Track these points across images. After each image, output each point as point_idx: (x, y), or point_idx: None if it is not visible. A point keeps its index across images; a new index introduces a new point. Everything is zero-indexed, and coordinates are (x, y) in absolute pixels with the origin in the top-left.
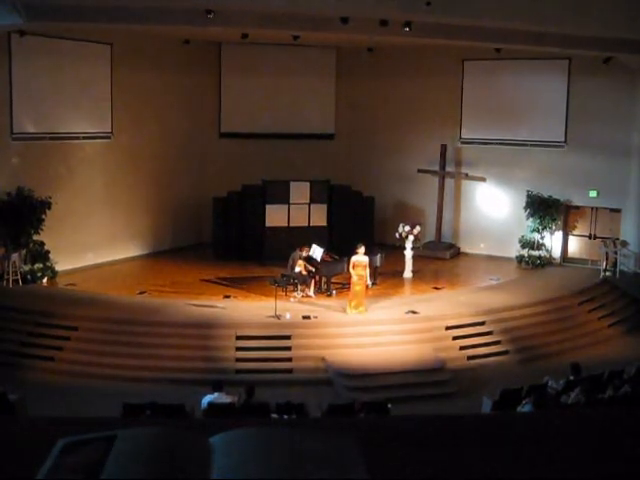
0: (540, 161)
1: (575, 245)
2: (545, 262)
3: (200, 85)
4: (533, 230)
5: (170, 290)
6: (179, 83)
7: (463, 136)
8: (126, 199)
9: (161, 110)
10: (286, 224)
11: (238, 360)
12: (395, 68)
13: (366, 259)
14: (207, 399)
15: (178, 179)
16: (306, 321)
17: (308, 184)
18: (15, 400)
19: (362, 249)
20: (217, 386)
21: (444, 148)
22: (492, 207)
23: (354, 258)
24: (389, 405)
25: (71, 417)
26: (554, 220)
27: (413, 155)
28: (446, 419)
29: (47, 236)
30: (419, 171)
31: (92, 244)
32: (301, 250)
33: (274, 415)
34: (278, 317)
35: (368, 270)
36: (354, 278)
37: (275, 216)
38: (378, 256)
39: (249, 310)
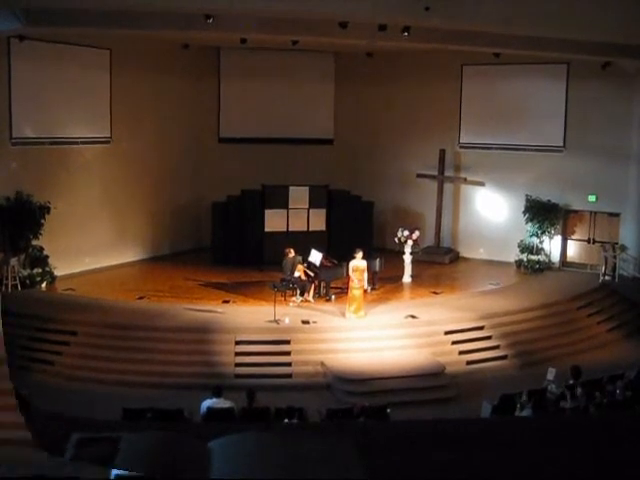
0: (539, 166)
1: (574, 249)
2: (544, 266)
3: (199, 90)
4: (532, 234)
5: (169, 295)
6: (178, 88)
7: (462, 141)
8: (125, 204)
9: (160, 115)
10: (285, 229)
11: (237, 365)
12: (394, 73)
13: (364, 264)
14: (206, 404)
15: (177, 184)
16: (305, 326)
17: (307, 189)
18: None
19: (360, 254)
20: (216, 391)
21: (443, 153)
22: (491, 212)
23: (352, 263)
24: (388, 410)
25: (77, 417)
26: (553, 224)
27: (412, 160)
28: (445, 423)
29: (46, 241)
30: (418, 176)
31: (91, 249)
32: (287, 253)
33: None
34: (277, 322)
35: (366, 274)
36: (353, 282)
37: (274, 221)
38: (377, 261)
39: (248, 315)
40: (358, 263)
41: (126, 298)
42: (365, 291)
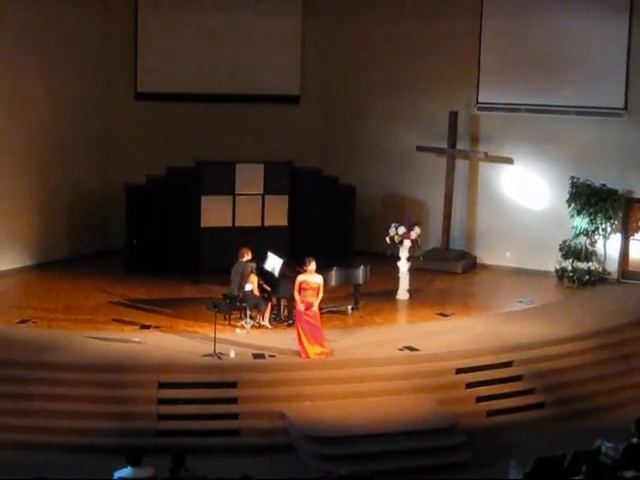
0: (590, 136)
1: None
2: (597, 278)
3: (107, 24)
4: (580, 233)
5: (64, 317)
6: (75, 21)
7: (481, 100)
8: (1, 189)
9: (49, 60)
10: (230, 223)
11: (161, 417)
12: (387, 3)
13: (319, 280)
14: (119, 475)
15: (74, 161)
16: (258, 362)
17: (262, 167)
18: None
19: (313, 265)
20: (133, 458)
21: (454, 117)
22: (522, 200)
23: (301, 278)
24: None
25: None
26: (610, 219)
27: (410, 127)
28: None
29: None
30: (419, 149)
31: None
32: (242, 255)
33: None
34: (219, 356)
35: (321, 295)
36: (299, 305)
37: (214, 212)
38: (360, 269)
39: (177, 346)
40: (310, 278)
41: (2, 321)
42: (321, 313)
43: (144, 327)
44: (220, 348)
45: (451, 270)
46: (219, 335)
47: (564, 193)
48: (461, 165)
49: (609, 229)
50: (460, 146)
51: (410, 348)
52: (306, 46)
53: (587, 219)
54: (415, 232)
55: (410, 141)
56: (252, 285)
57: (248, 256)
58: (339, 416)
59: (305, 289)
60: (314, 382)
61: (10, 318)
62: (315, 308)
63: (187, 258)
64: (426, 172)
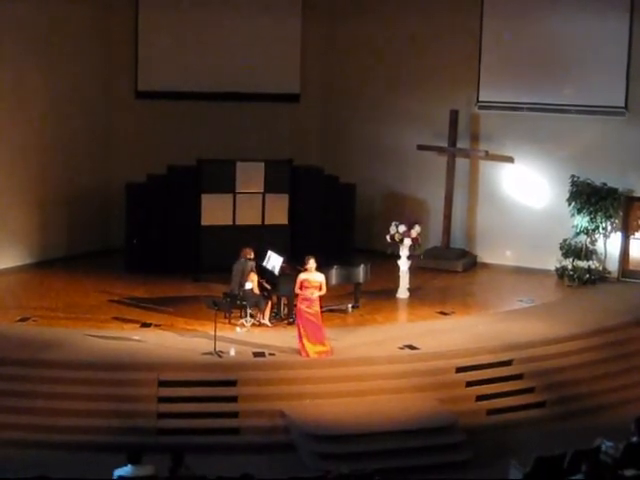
0: (591, 135)
1: None
2: (597, 277)
3: (107, 22)
4: (580, 231)
5: (64, 316)
6: (75, 19)
7: (482, 98)
8: (0, 187)
9: (50, 58)
10: (231, 222)
11: (161, 416)
12: (387, 2)
13: (320, 278)
14: (118, 474)
15: (75, 159)
16: (258, 360)
17: (262, 165)
18: None
19: (312, 263)
20: (133, 456)
21: (455, 115)
22: (522, 199)
23: (302, 276)
24: (377, 479)
25: None
26: (610, 217)
27: (411, 125)
28: None
29: None
30: (419, 148)
31: None
32: (244, 255)
33: None
34: (219, 354)
35: (324, 291)
36: (302, 304)
37: (215, 211)
38: (361, 268)
39: (177, 344)
40: (312, 276)
41: (2, 320)
42: (321, 311)
43: (144, 325)
44: (220, 346)
45: (451, 269)
46: (219, 333)
47: (564, 192)
48: (462, 164)
49: (609, 228)
50: (461, 145)
51: (410, 347)
52: (306, 45)
53: (587, 218)
54: (415, 230)
55: (411, 140)
56: (252, 283)
57: (248, 256)
58: (339, 414)
59: (307, 287)
60: (314, 380)
61: (10, 316)
62: (315, 295)
63: (187, 256)
64: (426, 171)
